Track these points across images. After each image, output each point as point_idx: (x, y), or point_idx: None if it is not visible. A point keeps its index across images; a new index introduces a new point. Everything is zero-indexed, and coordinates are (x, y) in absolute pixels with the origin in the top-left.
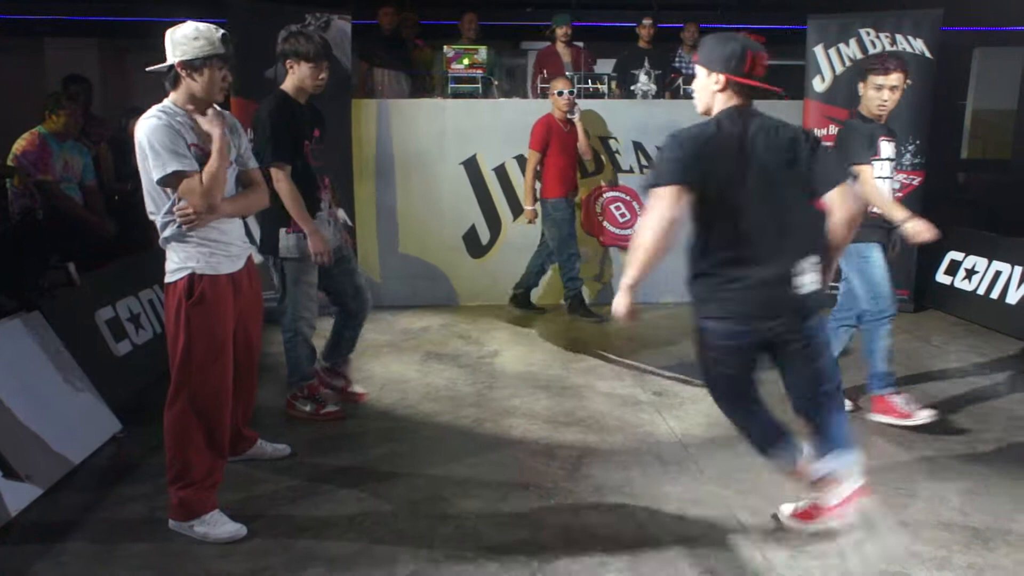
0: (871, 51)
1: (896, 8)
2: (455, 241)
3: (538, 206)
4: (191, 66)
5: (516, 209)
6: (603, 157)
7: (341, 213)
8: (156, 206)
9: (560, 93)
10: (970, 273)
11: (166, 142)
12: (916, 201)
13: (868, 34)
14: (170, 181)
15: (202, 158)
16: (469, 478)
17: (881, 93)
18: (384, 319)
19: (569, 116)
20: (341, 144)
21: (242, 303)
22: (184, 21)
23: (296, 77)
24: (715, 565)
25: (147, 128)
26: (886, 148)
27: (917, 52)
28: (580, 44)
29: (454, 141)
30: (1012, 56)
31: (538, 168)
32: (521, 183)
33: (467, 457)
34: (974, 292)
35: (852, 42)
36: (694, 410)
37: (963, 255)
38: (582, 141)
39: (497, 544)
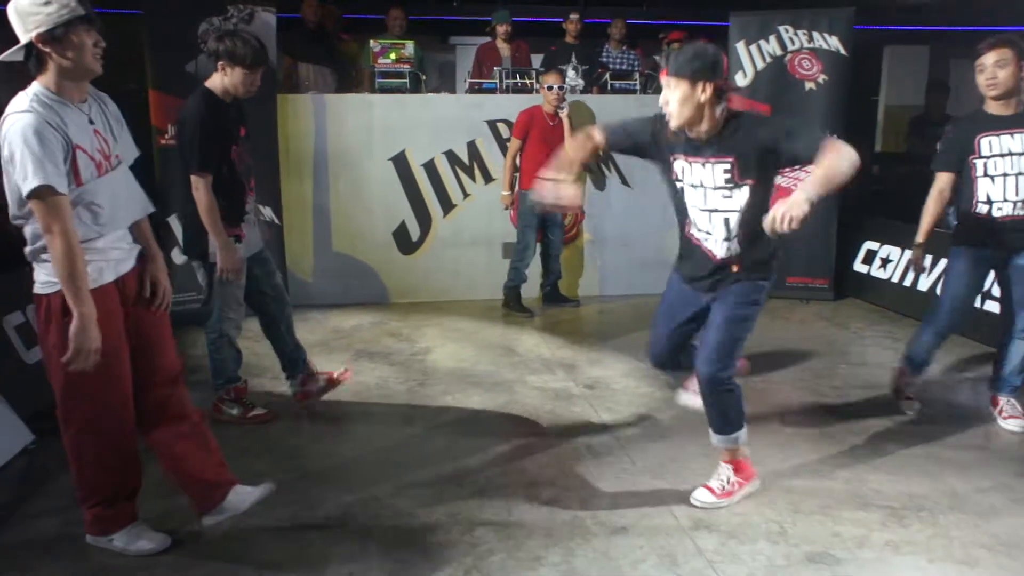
0: (790, 48)
1: (812, 6)
2: (385, 238)
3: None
4: (53, 37)
5: (446, 205)
6: None
7: (268, 212)
8: (21, 209)
9: (550, 88)
10: (885, 262)
11: (35, 147)
12: (834, 194)
13: (787, 31)
14: (38, 194)
15: (87, 163)
16: (402, 477)
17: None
18: (314, 318)
19: (560, 109)
20: (267, 141)
21: (137, 310)
22: None
23: (228, 80)
24: (647, 554)
25: (19, 125)
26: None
27: (832, 49)
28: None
29: (382, 137)
30: (919, 54)
31: (516, 157)
32: (451, 179)
33: (400, 456)
34: (889, 280)
35: (772, 38)
36: (626, 402)
37: (878, 244)
38: (567, 137)
39: (431, 542)
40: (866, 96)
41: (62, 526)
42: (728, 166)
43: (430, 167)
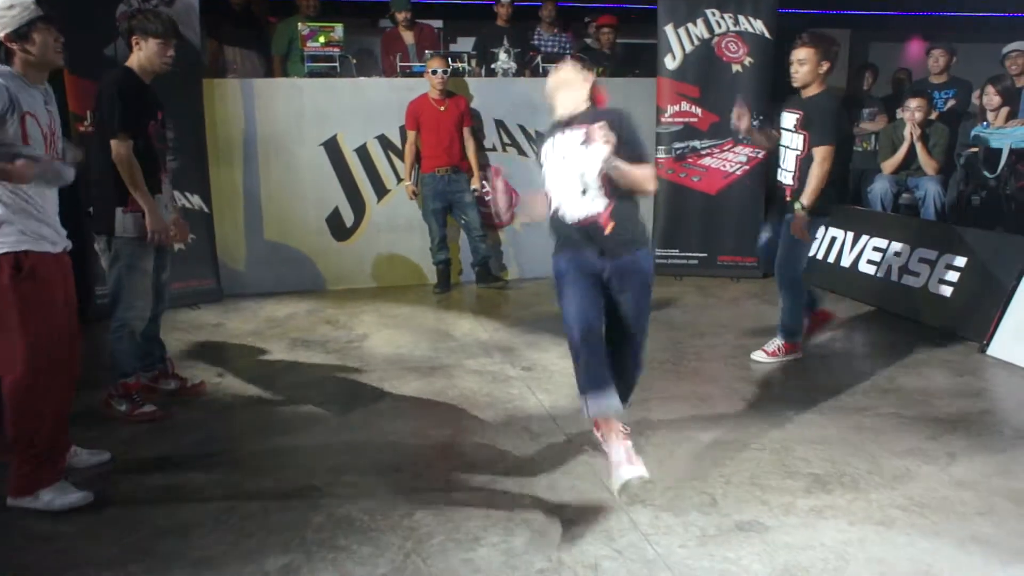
0: (717, 31)
1: None
2: (319, 224)
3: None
4: (17, 36)
5: (380, 190)
6: None
7: (197, 200)
8: None
9: (434, 72)
10: None
11: None
12: (760, 174)
13: (714, 14)
14: None
15: (36, 130)
16: (340, 465)
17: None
18: (248, 307)
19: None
20: (194, 126)
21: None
22: None
23: (143, 55)
24: (584, 530)
25: None
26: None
27: (757, 32)
28: (436, 24)
29: (313, 122)
30: (841, 37)
31: (417, 145)
32: (384, 163)
33: (338, 444)
34: (813, 257)
35: (699, 22)
36: (562, 382)
37: None
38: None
39: (370, 528)
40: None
41: None
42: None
43: (362, 152)
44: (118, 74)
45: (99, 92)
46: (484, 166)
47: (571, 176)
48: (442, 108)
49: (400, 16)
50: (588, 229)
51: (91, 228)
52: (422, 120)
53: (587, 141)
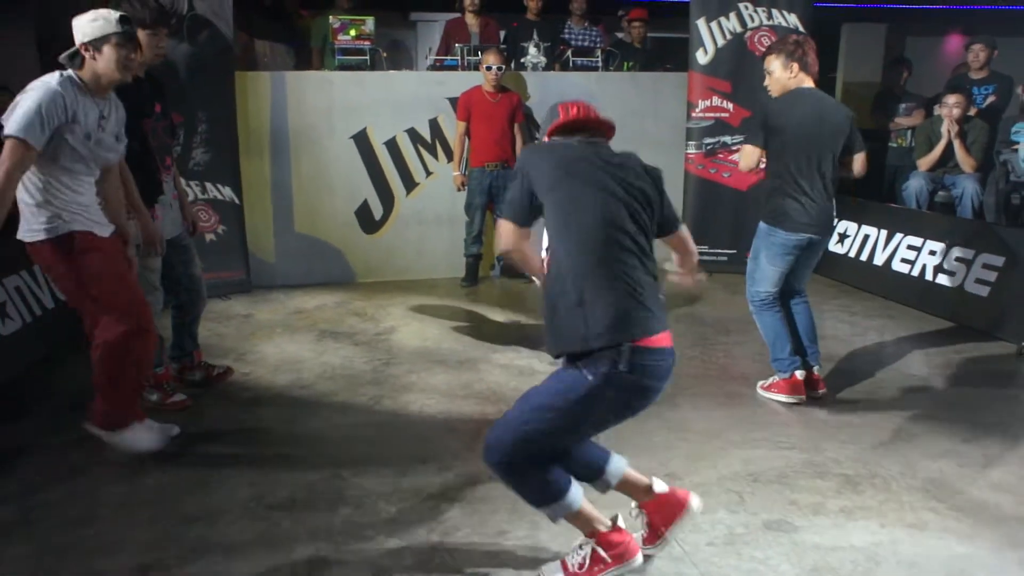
0: (750, 25)
1: None
2: (348, 217)
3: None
4: (92, 46)
5: (409, 184)
6: None
7: (228, 192)
8: None
9: (489, 68)
10: (843, 237)
11: (39, 107)
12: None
13: (747, 8)
14: (13, 139)
15: (80, 137)
16: (368, 456)
17: None
18: (277, 299)
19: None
20: (226, 119)
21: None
22: None
23: None
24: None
25: (36, 86)
26: None
27: (791, 26)
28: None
29: (343, 115)
30: (876, 32)
31: (467, 137)
32: (413, 156)
33: (365, 435)
34: (846, 255)
35: (732, 16)
36: None
37: (836, 220)
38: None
39: (397, 519)
40: (824, 73)
41: (20, 512)
42: None
43: (392, 145)
44: None
45: None
46: None
47: None
48: (494, 101)
49: (468, 1)
50: None
51: None
52: (473, 112)
53: None
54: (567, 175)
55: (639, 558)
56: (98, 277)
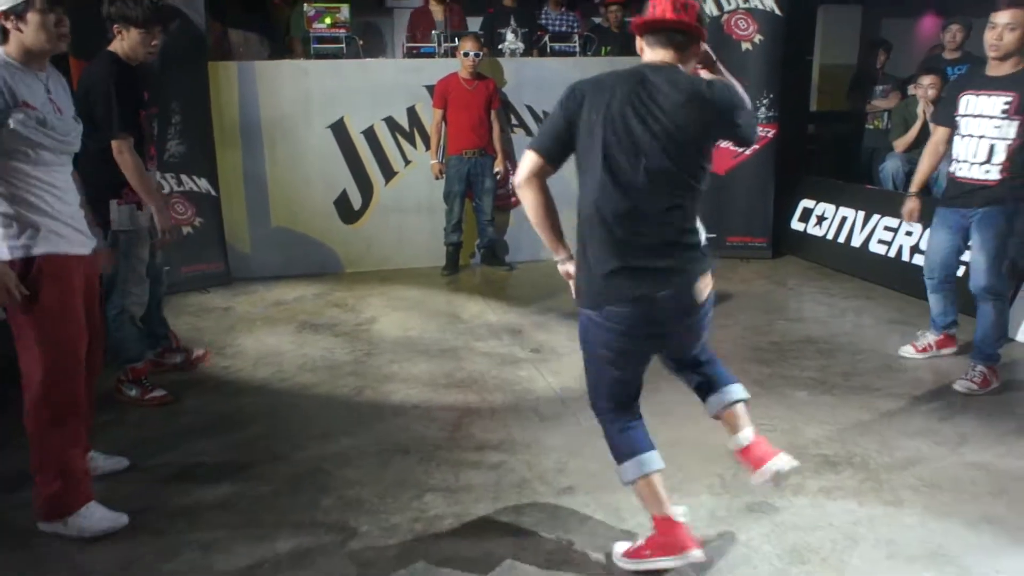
0: (727, 8)
1: None
2: (327, 207)
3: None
4: (14, 14)
5: (388, 173)
6: None
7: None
8: None
9: (466, 54)
10: (820, 219)
11: None
12: (771, 152)
13: None
14: None
15: (27, 119)
16: (350, 447)
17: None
18: (256, 291)
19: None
20: (200, 110)
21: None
22: None
23: (126, 44)
24: (594, 511)
25: None
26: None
27: (767, 9)
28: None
29: (319, 104)
30: (852, 13)
31: (444, 124)
32: (391, 145)
33: (347, 426)
34: (824, 237)
35: None
36: (571, 364)
37: (814, 202)
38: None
39: (380, 510)
40: (801, 56)
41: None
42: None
43: (370, 134)
44: (108, 65)
45: (88, 81)
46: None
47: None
48: (470, 88)
49: None
50: None
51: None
52: (450, 99)
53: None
54: (589, 134)
55: (696, 554)
56: (46, 315)
